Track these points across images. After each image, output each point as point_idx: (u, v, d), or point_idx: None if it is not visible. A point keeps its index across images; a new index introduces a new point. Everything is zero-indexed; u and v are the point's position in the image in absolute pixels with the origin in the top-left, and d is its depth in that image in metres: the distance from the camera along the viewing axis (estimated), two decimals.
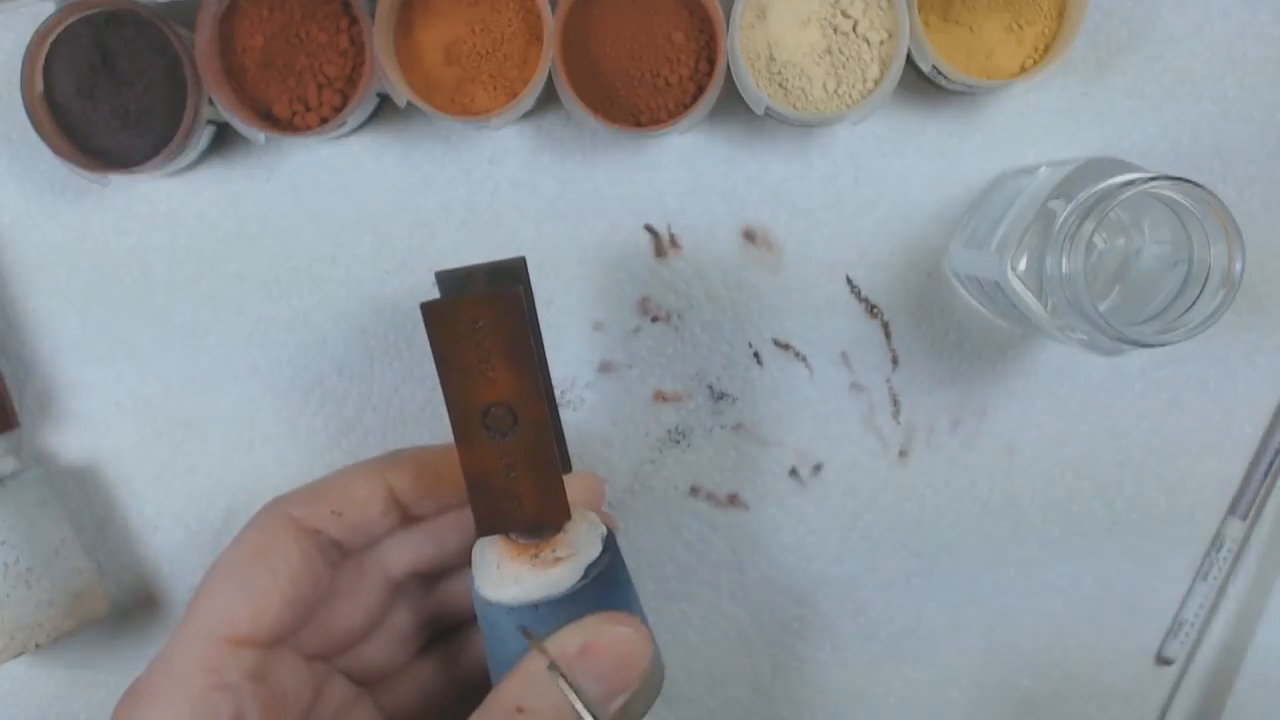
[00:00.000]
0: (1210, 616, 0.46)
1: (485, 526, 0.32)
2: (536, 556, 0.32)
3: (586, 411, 0.44)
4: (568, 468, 0.34)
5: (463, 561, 0.35)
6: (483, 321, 0.30)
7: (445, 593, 0.38)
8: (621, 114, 0.40)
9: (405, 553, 0.36)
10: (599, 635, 0.31)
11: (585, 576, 0.32)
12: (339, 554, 0.35)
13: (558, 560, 0.32)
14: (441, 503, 0.36)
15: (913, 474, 0.45)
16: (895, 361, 0.44)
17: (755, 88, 0.39)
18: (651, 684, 0.32)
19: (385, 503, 0.34)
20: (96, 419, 0.44)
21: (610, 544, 0.33)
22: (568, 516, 0.32)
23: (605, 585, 0.33)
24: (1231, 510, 0.45)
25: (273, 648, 0.32)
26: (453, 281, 0.33)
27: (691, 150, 0.43)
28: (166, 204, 0.43)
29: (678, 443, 0.44)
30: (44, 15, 0.39)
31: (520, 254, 0.34)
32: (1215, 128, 0.43)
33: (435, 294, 0.43)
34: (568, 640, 0.31)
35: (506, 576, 0.32)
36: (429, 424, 0.44)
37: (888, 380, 0.44)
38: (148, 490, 0.44)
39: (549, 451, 0.32)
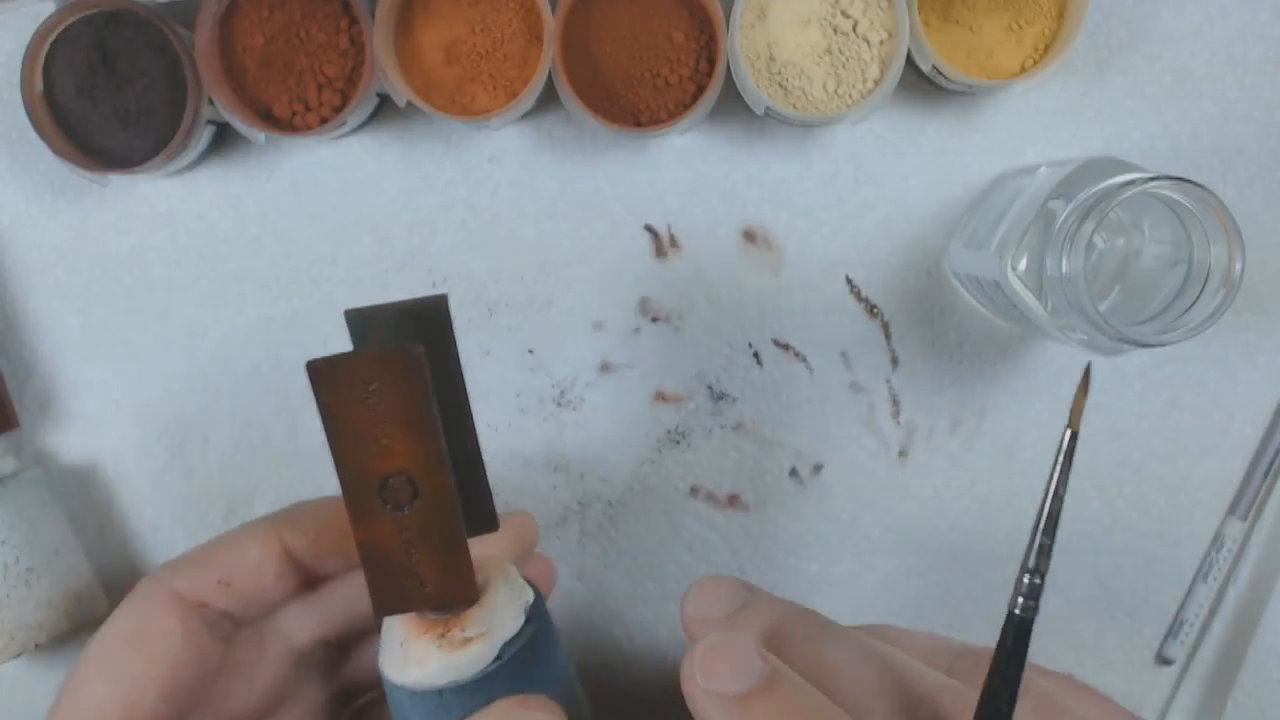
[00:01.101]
0: (1210, 616, 0.46)
1: (383, 607, 0.29)
2: (444, 636, 0.29)
3: (586, 411, 0.44)
4: (493, 524, 0.31)
5: (376, 625, 0.32)
6: (376, 384, 0.27)
7: (362, 658, 0.34)
8: (621, 114, 0.40)
9: (309, 621, 0.33)
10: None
11: (499, 658, 0.29)
12: (232, 626, 0.31)
13: (467, 641, 0.29)
14: (349, 561, 0.32)
15: (913, 474, 0.45)
16: (895, 361, 0.44)
17: (755, 88, 0.39)
18: None
19: (280, 566, 0.31)
20: (96, 419, 0.44)
21: (536, 612, 0.30)
22: (474, 598, 0.29)
23: (523, 664, 0.29)
24: (1231, 510, 0.45)
25: None
26: (361, 322, 0.29)
27: (691, 150, 0.43)
28: (166, 204, 0.43)
29: (678, 443, 0.44)
30: (44, 15, 0.39)
31: (443, 292, 0.31)
32: (1215, 128, 0.43)
33: (435, 294, 0.43)
34: None
35: (410, 657, 0.29)
36: None
37: (888, 380, 0.44)
38: (148, 490, 0.44)
39: (453, 527, 0.28)
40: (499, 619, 0.29)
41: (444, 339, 0.30)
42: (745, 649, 0.28)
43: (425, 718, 0.29)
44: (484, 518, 0.30)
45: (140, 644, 0.30)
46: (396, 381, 0.27)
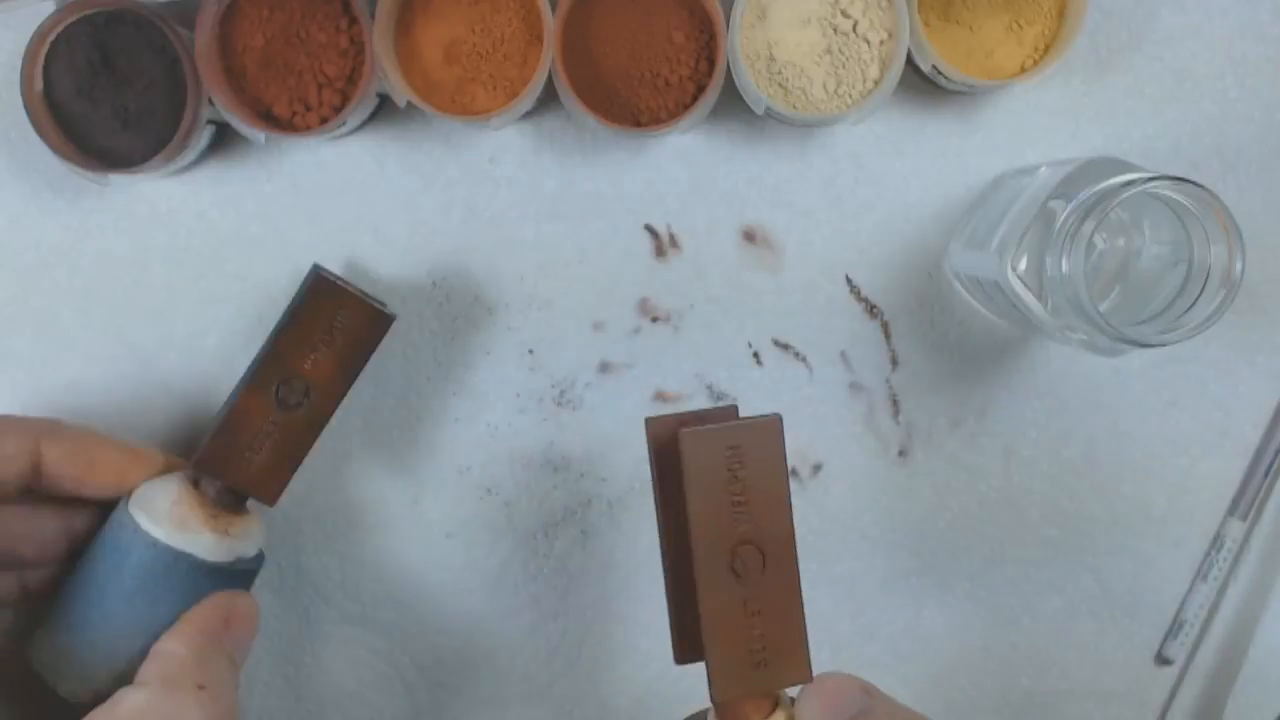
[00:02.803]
0: (1210, 616, 0.46)
1: (205, 463, 0.36)
2: (215, 518, 0.36)
3: (586, 411, 0.44)
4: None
5: (43, 557, 0.36)
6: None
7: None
8: (621, 114, 0.40)
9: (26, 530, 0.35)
10: (238, 607, 0.35)
11: (236, 562, 0.37)
12: None
13: (228, 535, 0.36)
14: (79, 488, 0.34)
15: (913, 474, 0.45)
16: (895, 361, 0.44)
17: (755, 88, 0.39)
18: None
19: (26, 466, 0.33)
20: (97, 420, 0.44)
21: (260, 563, 0.38)
22: (271, 504, 0.37)
23: (237, 579, 0.37)
24: (1231, 510, 0.45)
25: None
26: (324, 289, 0.38)
27: (691, 150, 0.43)
28: (166, 204, 0.43)
29: None
30: (44, 15, 0.39)
31: (394, 313, 0.39)
32: (1215, 128, 0.43)
33: (433, 296, 0.43)
34: (218, 606, 0.35)
35: (174, 516, 0.35)
36: (429, 423, 0.44)
37: (888, 380, 0.44)
38: None
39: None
40: (252, 540, 0.38)
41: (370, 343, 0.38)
42: None
43: (146, 574, 0.35)
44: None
45: None
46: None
